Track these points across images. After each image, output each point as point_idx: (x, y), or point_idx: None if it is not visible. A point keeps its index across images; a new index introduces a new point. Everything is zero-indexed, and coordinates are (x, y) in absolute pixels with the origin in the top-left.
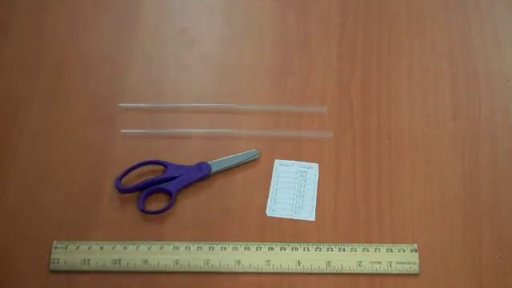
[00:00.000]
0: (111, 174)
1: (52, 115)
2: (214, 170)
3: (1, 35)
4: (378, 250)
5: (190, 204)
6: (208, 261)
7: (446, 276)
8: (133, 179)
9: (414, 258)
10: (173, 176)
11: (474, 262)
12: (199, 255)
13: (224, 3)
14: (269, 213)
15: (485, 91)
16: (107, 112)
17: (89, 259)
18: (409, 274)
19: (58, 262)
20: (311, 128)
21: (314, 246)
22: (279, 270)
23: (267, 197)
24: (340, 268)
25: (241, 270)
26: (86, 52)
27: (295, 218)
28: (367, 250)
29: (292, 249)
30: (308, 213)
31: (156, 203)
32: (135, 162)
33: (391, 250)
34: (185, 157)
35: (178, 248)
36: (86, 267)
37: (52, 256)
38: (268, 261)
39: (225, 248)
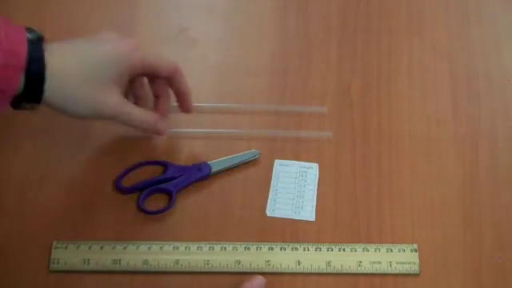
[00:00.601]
0: (111, 174)
1: (52, 115)
2: (214, 170)
3: None
4: (377, 250)
5: (189, 204)
6: (208, 261)
7: (445, 276)
8: (133, 179)
9: (414, 257)
10: (173, 176)
11: (474, 261)
12: (199, 255)
13: (224, 3)
14: (269, 213)
15: (485, 91)
16: None
17: (89, 259)
18: (409, 274)
19: (58, 262)
20: (311, 128)
21: (314, 246)
22: (279, 270)
23: (267, 197)
24: (340, 268)
25: (241, 270)
26: None
27: (295, 218)
28: (367, 250)
29: (292, 249)
30: (308, 213)
31: (156, 203)
32: (135, 162)
33: (391, 250)
34: (185, 157)
35: (177, 248)
36: (86, 267)
37: (52, 256)
38: (268, 261)
39: (225, 248)
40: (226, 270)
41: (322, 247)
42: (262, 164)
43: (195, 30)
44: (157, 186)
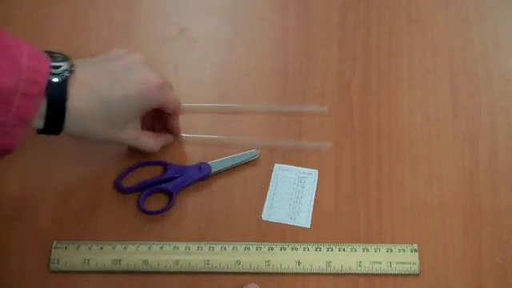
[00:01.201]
0: (111, 174)
1: None
2: (213, 170)
3: None
4: (377, 250)
5: (189, 204)
6: (208, 261)
7: (445, 276)
8: (133, 179)
9: (414, 258)
10: (173, 176)
11: (474, 262)
12: (199, 255)
13: (224, 3)
14: (264, 217)
15: (485, 91)
16: None
17: (89, 259)
18: (409, 274)
19: (58, 262)
20: (311, 128)
21: (314, 246)
22: (279, 270)
23: (266, 198)
24: (340, 268)
25: (241, 270)
26: (86, 52)
27: (290, 224)
28: (367, 250)
29: (292, 249)
30: (303, 219)
31: (156, 203)
32: (135, 162)
33: (391, 250)
34: (185, 157)
35: (177, 248)
36: (86, 267)
37: (52, 256)
38: (268, 261)
39: (225, 248)
40: (225, 270)
41: (321, 247)
42: (262, 164)
43: (195, 29)
44: (157, 186)
